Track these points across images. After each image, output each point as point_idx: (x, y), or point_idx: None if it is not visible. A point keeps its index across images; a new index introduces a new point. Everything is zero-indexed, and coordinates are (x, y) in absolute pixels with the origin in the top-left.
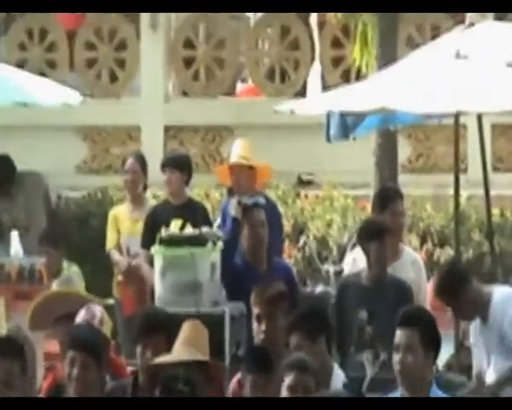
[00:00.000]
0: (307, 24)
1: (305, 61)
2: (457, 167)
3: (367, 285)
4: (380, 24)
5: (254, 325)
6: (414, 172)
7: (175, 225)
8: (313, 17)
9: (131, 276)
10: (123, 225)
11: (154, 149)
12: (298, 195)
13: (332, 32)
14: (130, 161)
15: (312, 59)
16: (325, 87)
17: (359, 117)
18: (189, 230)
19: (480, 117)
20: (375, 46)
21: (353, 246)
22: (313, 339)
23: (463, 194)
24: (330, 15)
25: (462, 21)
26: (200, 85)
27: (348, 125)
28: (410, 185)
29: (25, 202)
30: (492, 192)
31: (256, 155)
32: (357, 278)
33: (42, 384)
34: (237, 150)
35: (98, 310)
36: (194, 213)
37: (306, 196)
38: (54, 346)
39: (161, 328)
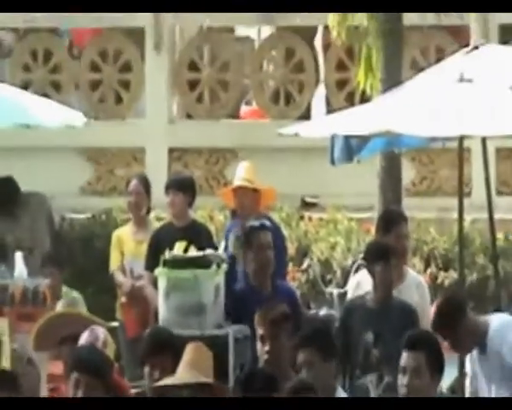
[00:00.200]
0: (312, 46)
1: (309, 84)
2: (461, 191)
3: (373, 308)
4: (384, 47)
5: (258, 345)
6: (418, 196)
7: (179, 247)
8: (318, 39)
9: (135, 297)
10: (126, 246)
11: (158, 171)
12: (302, 217)
13: (337, 54)
14: (133, 182)
15: (317, 81)
16: (329, 110)
17: (363, 140)
18: (192, 252)
19: (484, 141)
20: (380, 69)
21: (357, 269)
22: (325, 357)
23: (467, 217)
24: (335, 38)
25: (467, 45)
26: (205, 108)
27: (352, 147)
28: (414, 209)
29: (29, 223)
30: (496, 216)
31: (260, 178)
32: (363, 301)
33: None
34: (241, 173)
35: (101, 332)
36: (197, 235)
37: (310, 219)
38: (58, 367)
39: (168, 348)
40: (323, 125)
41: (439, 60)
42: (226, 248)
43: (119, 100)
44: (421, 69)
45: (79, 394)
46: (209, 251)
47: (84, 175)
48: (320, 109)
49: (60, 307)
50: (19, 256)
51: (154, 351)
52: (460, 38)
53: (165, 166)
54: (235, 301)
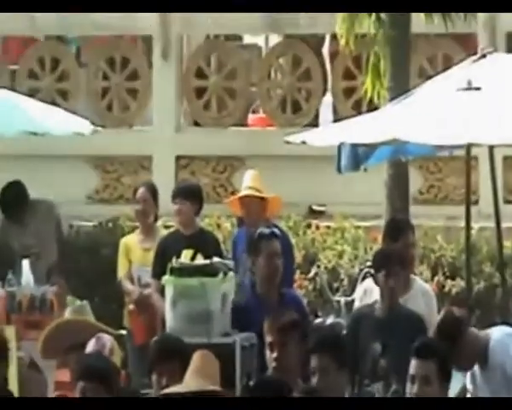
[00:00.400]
0: (319, 54)
1: (316, 92)
2: (469, 199)
3: (380, 317)
4: (392, 55)
5: (267, 353)
6: (425, 204)
7: (186, 255)
8: (325, 48)
9: (143, 305)
10: (134, 254)
11: (165, 179)
12: (309, 226)
13: (344, 62)
14: (141, 190)
15: (324, 89)
16: (337, 118)
17: (370, 148)
18: (199, 260)
19: (491, 149)
20: (387, 77)
21: (364, 277)
22: (340, 365)
23: (475, 226)
24: (342, 46)
25: (474, 53)
26: (212, 115)
27: (359, 155)
28: (422, 217)
29: (37, 230)
30: (504, 224)
31: (267, 185)
32: (371, 310)
33: None
34: (248, 182)
35: (108, 340)
36: (205, 243)
37: (317, 227)
38: (65, 375)
39: (176, 355)
40: (330, 134)
41: (446, 68)
42: (234, 256)
43: (126, 108)
44: (429, 77)
45: None
46: (216, 259)
47: (91, 183)
48: (327, 117)
49: (67, 314)
50: (26, 264)
51: (162, 358)
52: (467, 46)
53: (172, 173)
54: (242, 309)
